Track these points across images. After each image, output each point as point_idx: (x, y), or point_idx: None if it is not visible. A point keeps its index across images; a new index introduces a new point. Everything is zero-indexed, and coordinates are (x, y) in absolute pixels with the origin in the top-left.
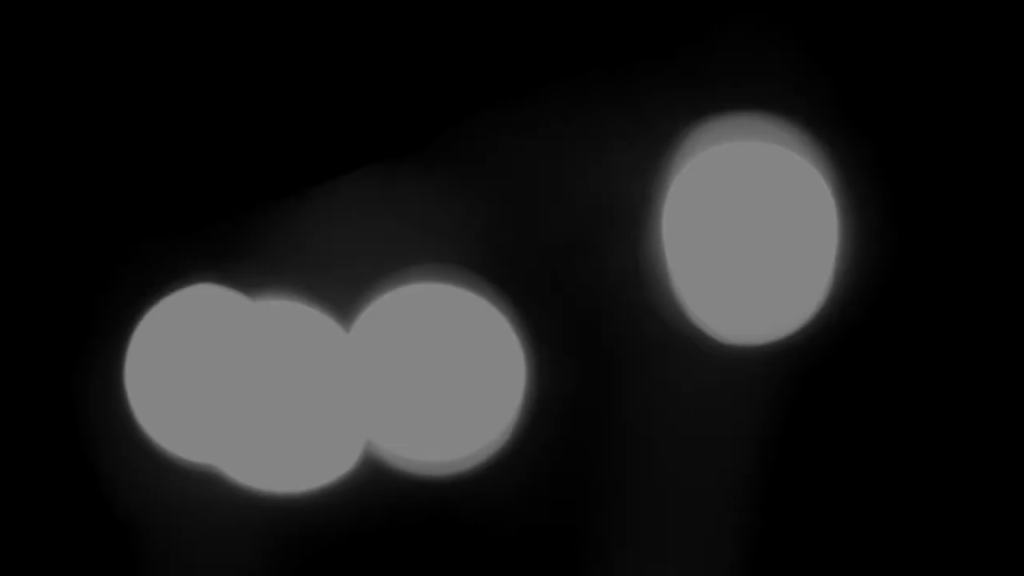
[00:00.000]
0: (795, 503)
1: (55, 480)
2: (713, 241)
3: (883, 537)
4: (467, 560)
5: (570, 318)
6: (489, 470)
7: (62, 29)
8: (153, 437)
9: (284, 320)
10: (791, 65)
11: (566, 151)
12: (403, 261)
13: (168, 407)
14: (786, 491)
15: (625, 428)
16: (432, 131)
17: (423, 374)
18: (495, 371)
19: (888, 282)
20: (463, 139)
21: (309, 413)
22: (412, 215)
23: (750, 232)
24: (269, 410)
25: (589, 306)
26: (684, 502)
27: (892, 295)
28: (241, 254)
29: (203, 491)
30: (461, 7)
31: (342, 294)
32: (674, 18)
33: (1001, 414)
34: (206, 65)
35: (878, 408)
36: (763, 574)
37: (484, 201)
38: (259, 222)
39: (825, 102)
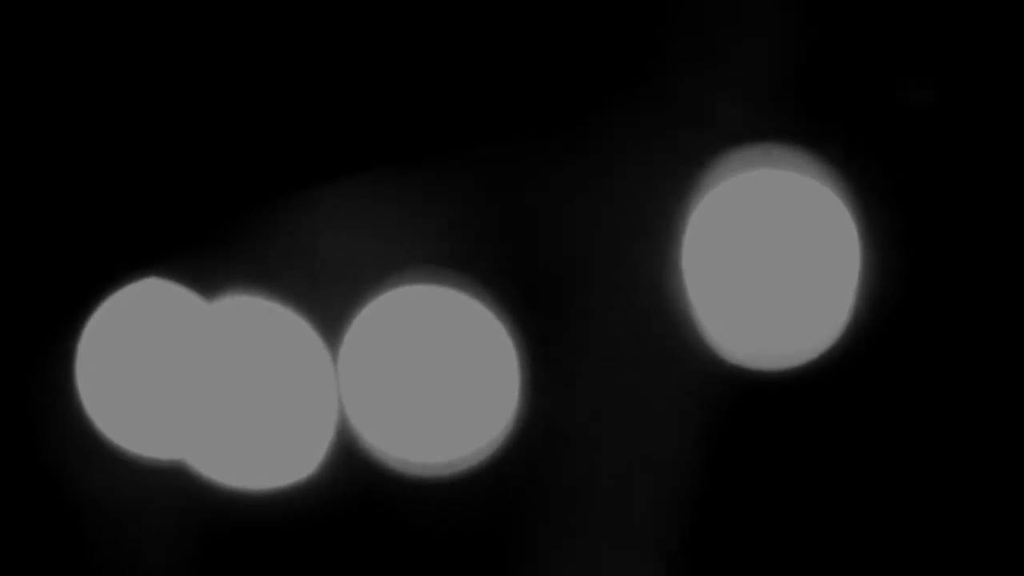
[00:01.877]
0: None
1: (10, 480)
2: (731, 266)
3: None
4: (435, 560)
5: (568, 329)
6: (473, 476)
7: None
8: (112, 435)
9: (249, 316)
10: (809, 92)
11: (571, 164)
12: (394, 265)
13: (129, 404)
14: (800, 519)
15: (619, 444)
16: (429, 138)
17: (412, 377)
18: (487, 377)
19: (906, 308)
20: (462, 147)
21: (278, 409)
22: (406, 219)
23: (768, 258)
24: (237, 406)
25: (589, 316)
26: (676, 521)
27: (910, 320)
28: (207, 251)
29: (167, 488)
30: (469, 15)
31: (331, 297)
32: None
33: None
34: (195, 61)
35: (895, 435)
36: None
37: (483, 207)
38: (239, 222)
39: (841, 129)
